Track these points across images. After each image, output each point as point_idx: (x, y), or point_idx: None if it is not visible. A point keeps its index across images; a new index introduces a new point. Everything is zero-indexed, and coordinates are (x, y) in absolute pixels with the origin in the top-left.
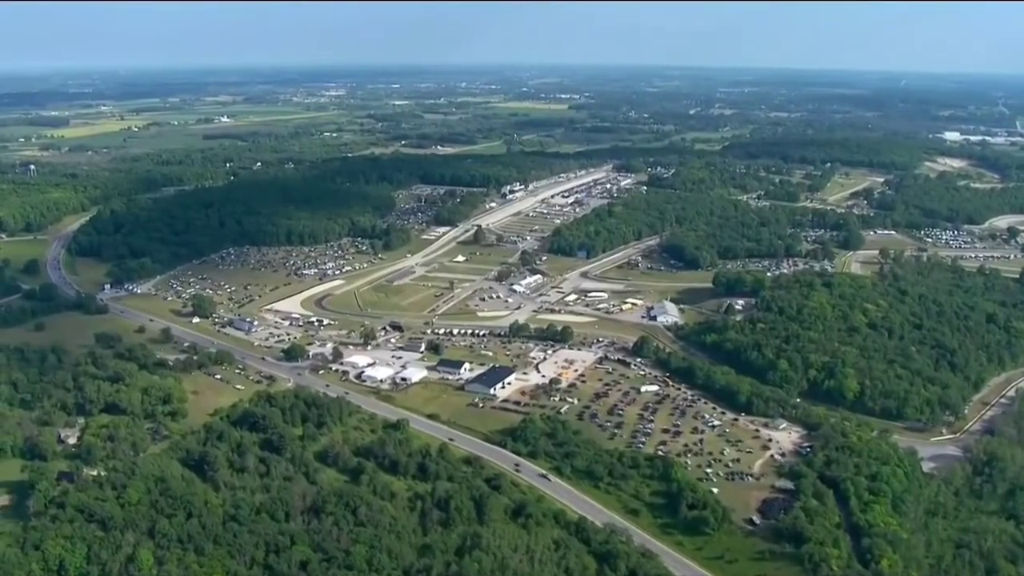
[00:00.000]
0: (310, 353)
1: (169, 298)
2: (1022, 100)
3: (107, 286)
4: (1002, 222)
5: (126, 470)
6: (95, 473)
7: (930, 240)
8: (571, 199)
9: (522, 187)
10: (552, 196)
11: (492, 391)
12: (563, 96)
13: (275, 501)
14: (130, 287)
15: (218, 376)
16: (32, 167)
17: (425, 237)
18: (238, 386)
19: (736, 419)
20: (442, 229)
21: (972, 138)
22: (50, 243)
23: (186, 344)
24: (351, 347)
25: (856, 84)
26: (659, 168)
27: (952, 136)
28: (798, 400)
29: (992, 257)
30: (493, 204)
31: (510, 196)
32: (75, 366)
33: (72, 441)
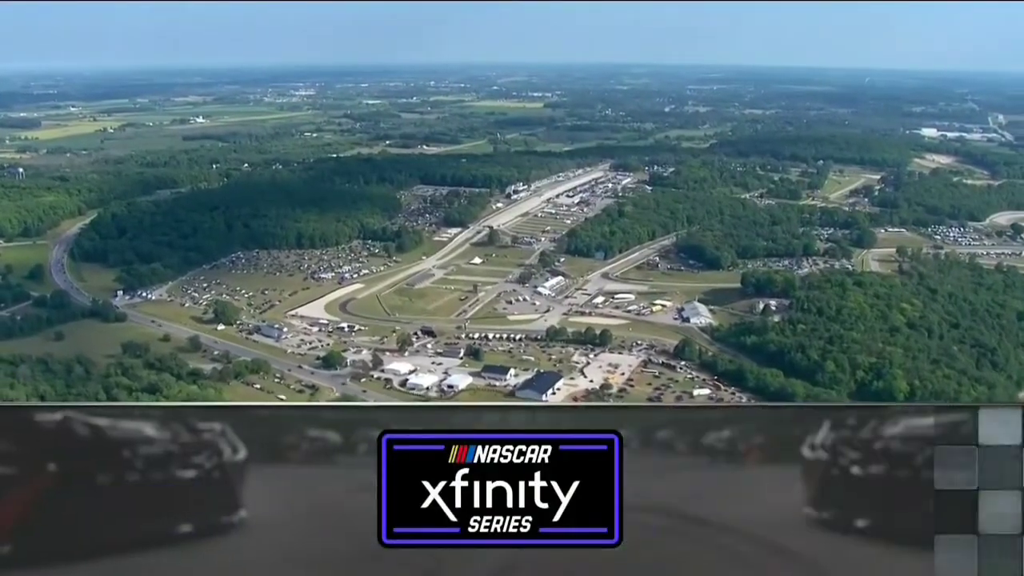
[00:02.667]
0: (347, 360)
1: (186, 304)
2: (988, 96)
3: (119, 292)
4: (1001, 219)
5: None
6: None
7: (938, 237)
8: (576, 199)
9: (525, 187)
10: (557, 196)
11: (544, 397)
12: (535, 95)
13: None
14: (144, 293)
15: (257, 386)
16: (21, 170)
17: (437, 239)
18: (280, 396)
19: None
20: (453, 231)
21: (949, 134)
22: (51, 248)
23: (216, 352)
24: (388, 353)
25: (821, 81)
26: (655, 167)
27: (929, 132)
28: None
29: (1004, 254)
30: (499, 204)
31: (515, 196)
32: (104, 377)
33: None
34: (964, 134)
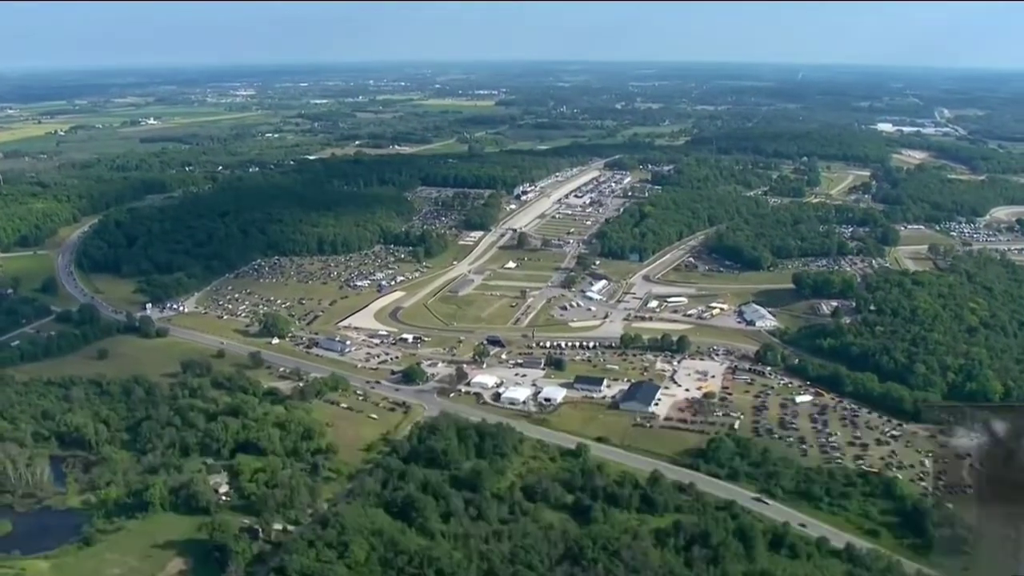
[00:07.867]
0: (428, 375)
1: (224, 316)
2: (922, 91)
3: (148, 305)
4: (1001, 213)
5: (335, 524)
6: (279, 527)
7: (954, 234)
8: (586, 199)
9: (532, 188)
10: (566, 196)
11: (650, 409)
12: (482, 92)
13: (525, 549)
14: (174, 305)
15: (344, 405)
16: (0, 176)
17: (462, 243)
18: (372, 415)
19: (926, 429)
20: (476, 234)
21: (905, 129)
22: (54, 258)
23: (282, 369)
24: (465, 366)
25: (757, 76)
26: (650, 166)
27: (885, 127)
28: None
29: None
30: (512, 206)
31: (524, 197)
32: (171, 399)
33: (223, 489)
34: (920, 129)
